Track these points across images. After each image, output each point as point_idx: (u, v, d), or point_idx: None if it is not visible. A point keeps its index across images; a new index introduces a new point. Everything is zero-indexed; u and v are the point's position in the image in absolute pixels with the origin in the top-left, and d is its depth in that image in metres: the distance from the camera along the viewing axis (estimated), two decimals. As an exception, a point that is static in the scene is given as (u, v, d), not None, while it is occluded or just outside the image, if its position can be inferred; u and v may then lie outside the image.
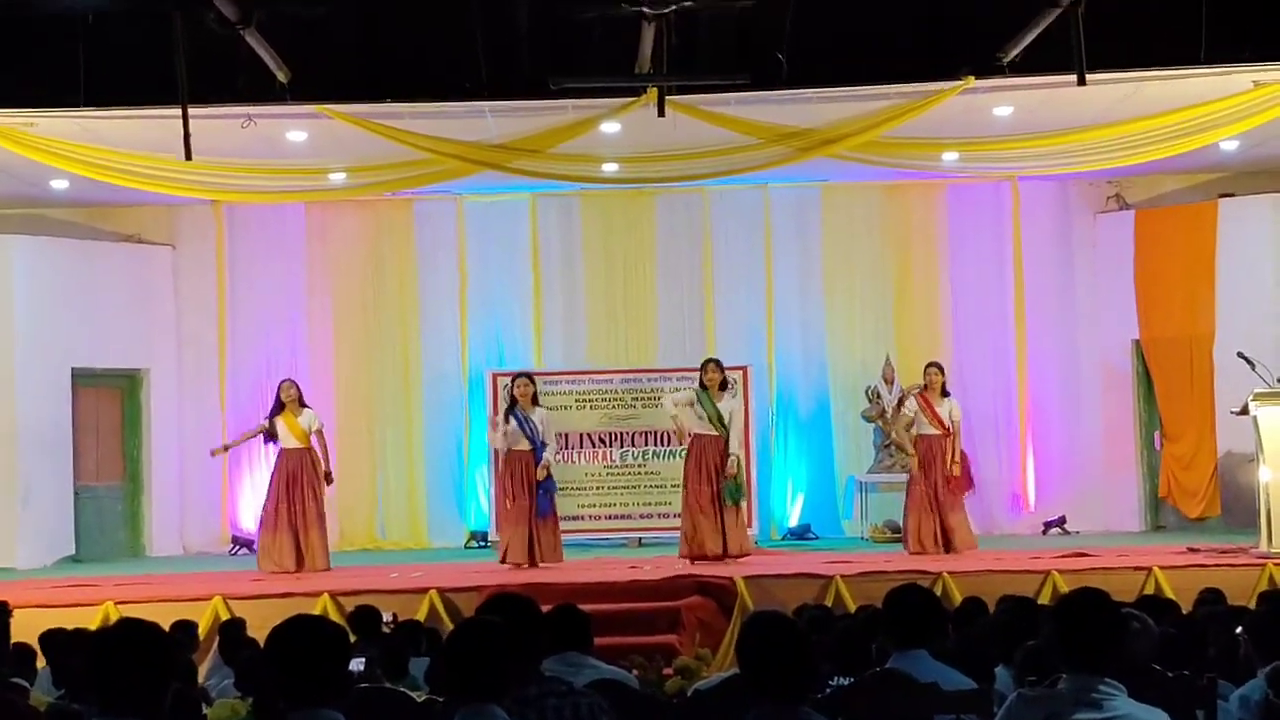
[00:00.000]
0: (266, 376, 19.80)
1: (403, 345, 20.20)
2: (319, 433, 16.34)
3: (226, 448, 17.44)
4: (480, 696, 5.20)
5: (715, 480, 15.67)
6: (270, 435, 16.32)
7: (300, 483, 16.11)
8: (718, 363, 16.14)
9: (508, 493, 16.00)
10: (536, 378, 16.78)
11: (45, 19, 14.43)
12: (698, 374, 16.07)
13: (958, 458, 16.25)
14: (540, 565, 15.69)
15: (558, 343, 20.18)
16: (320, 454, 16.30)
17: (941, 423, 16.19)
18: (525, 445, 15.93)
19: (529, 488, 15.84)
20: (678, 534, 16.01)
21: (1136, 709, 5.40)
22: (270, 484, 16.37)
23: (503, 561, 15.81)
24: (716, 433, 15.74)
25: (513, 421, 15.94)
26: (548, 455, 16.02)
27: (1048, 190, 20.00)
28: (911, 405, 16.42)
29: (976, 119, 16.34)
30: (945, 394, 16.37)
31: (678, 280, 20.21)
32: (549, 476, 15.97)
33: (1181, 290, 19.14)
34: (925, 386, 16.38)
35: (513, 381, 16.23)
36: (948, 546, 15.89)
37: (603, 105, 15.46)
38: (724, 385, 16.07)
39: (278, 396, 16.38)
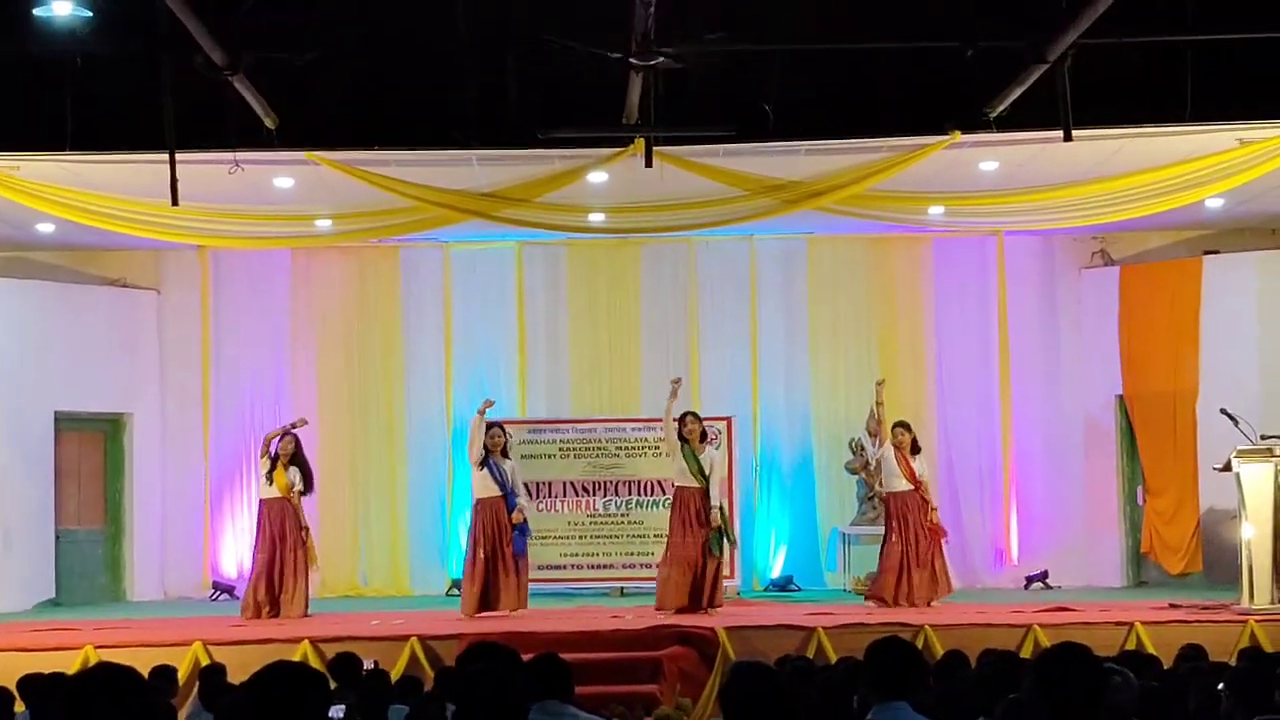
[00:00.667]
0: (250, 422, 19.85)
1: (387, 392, 20.18)
2: (299, 491, 16.47)
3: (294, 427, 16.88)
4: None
5: (698, 531, 15.67)
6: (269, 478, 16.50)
7: (282, 532, 16.26)
8: (695, 415, 16.19)
9: (475, 540, 16.10)
10: (519, 426, 16.80)
11: (32, 62, 14.44)
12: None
13: (934, 505, 16.31)
14: (499, 610, 15.74)
15: (542, 391, 20.17)
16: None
17: (914, 476, 16.22)
18: (496, 491, 15.99)
19: (496, 534, 15.92)
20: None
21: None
22: (256, 533, 16.59)
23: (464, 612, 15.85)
24: (698, 484, 15.76)
25: (485, 470, 16.05)
26: (522, 501, 16.21)
27: (1033, 245, 20.05)
28: (889, 453, 16.43)
29: (962, 174, 16.40)
30: (915, 451, 16.39)
31: (663, 330, 20.23)
32: (524, 520, 16.07)
33: (1165, 346, 19.18)
34: (896, 446, 16.37)
35: (485, 432, 16.26)
36: (912, 600, 15.93)
37: (590, 155, 15.51)
38: (704, 437, 16.11)
39: (275, 451, 16.55)
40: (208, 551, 19.77)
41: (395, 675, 11.23)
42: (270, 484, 16.39)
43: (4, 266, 19.22)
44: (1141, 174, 16.00)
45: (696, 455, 15.80)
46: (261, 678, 4.93)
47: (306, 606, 16.23)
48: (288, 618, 15.88)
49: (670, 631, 13.92)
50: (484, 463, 16.07)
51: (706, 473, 15.74)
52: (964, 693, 7.61)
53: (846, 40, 14.55)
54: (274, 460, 16.41)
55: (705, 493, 15.73)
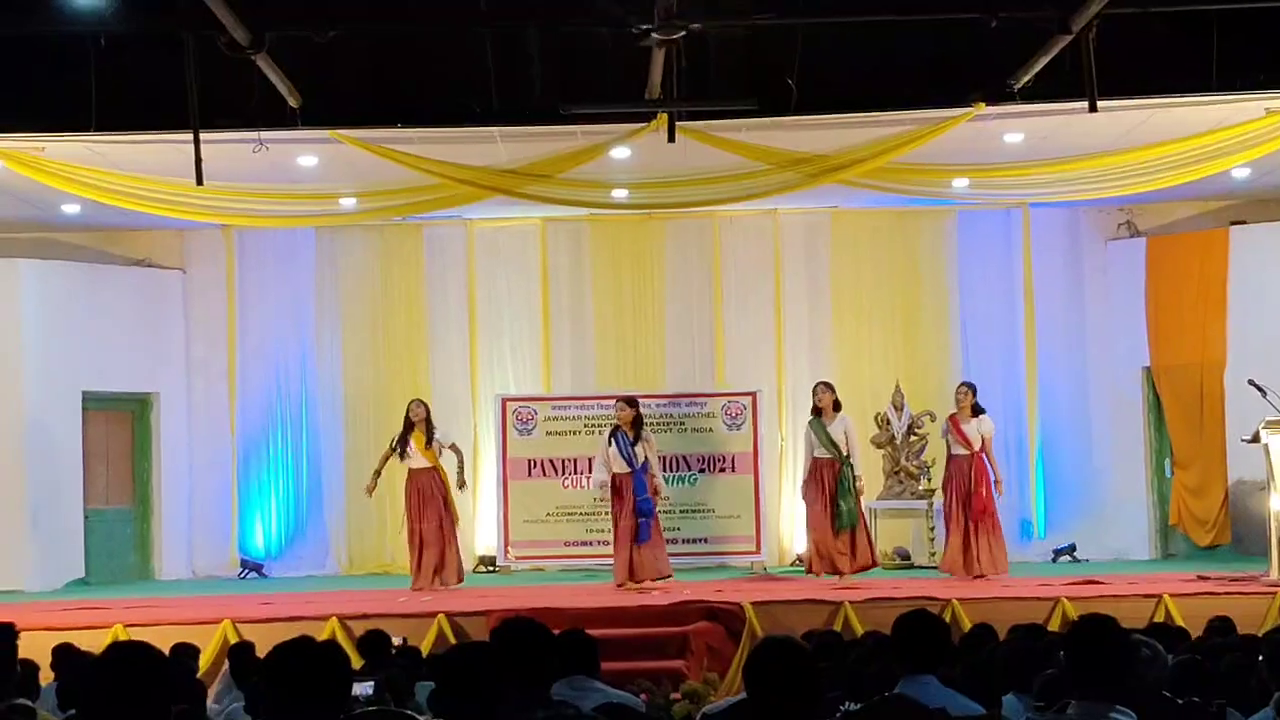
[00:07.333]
0: (275, 400, 19.89)
1: (411, 369, 20.16)
2: (452, 447, 16.67)
3: (375, 479, 16.93)
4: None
5: (832, 501, 16.07)
6: (401, 454, 16.56)
7: (430, 502, 16.36)
8: (826, 384, 16.59)
9: (614, 515, 16.06)
10: (544, 403, 16.83)
11: (56, 42, 14.46)
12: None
13: (980, 474, 16.33)
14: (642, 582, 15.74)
15: (567, 368, 20.17)
16: (457, 466, 16.65)
17: (968, 442, 16.24)
18: (624, 468, 15.91)
19: (629, 509, 15.82)
20: (692, 558, 16.08)
21: (1146, 736, 5.37)
22: (406, 506, 16.61)
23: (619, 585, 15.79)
24: (829, 455, 16.12)
25: (613, 445, 15.96)
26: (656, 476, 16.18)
27: (1059, 217, 19.97)
28: (942, 425, 16.84)
29: (987, 145, 16.34)
30: (976, 413, 16.40)
31: (687, 305, 20.20)
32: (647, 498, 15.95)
33: (1193, 317, 19.11)
34: (958, 408, 16.48)
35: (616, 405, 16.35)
36: (971, 568, 15.99)
37: (613, 131, 15.48)
38: (837, 406, 16.36)
39: (406, 416, 16.61)
40: (235, 530, 19.81)
41: (425, 652, 11.24)
42: (413, 451, 16.44)
43: (30, 247, 19.25)
44: (1167, 144, 15.92)
45: (825, 427, 16.11)
46: (280, 653, 4.93)
47: (460, 575, 16.38)
48: (445, 585, 16.06)
49: (697, 607, 13.91)
50: (611, 436, 16.00)
51: (839, 444, 16.10)
52: (992, 666, 7.60)
53: (869, 12, 14.51)
54: (408, 427, 16.46)
55: (837, 462, 16.10)
